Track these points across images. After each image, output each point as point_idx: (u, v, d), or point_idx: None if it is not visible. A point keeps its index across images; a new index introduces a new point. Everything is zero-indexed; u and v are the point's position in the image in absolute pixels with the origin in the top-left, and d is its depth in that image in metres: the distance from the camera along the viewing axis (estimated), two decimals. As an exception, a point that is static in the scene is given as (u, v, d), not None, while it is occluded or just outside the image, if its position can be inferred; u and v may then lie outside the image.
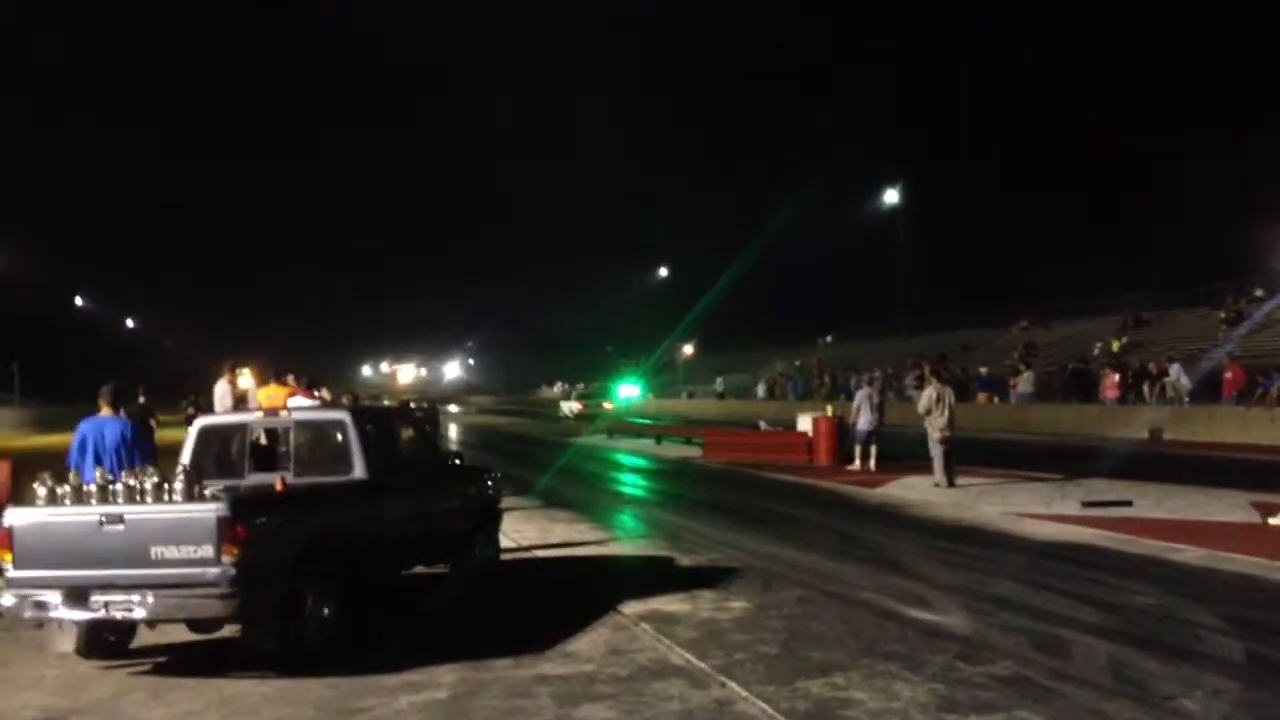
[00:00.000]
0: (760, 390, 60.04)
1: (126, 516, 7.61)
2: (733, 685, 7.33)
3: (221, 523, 7.44)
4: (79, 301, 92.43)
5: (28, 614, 7.70)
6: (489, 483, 11.96)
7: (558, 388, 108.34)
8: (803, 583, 10.94)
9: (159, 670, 8.13)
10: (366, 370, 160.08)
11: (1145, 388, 33.43)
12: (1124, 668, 7.59)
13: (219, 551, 7.43)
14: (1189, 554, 11.96)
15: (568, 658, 8.17)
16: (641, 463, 29.67)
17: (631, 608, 9.78)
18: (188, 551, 7.47)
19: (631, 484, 22.91)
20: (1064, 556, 12.22)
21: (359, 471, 9.28)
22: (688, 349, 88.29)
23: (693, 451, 29.84)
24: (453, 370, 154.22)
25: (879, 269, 71.99)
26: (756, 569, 11.73)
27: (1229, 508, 15.28)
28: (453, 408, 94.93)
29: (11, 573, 7.73)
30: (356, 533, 8.92)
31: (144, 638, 8.56)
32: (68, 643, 8.27)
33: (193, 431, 9.79)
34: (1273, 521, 13.53)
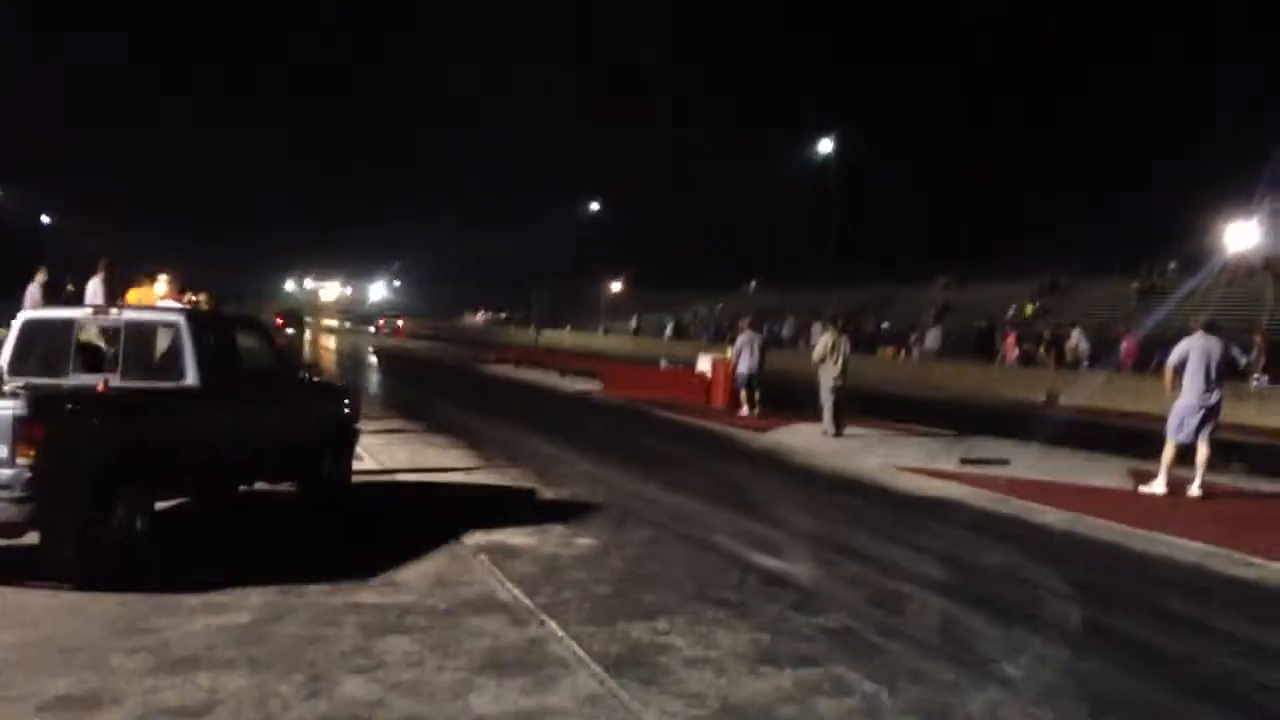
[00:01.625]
0: (668, 330, 59.87)
1: None
2: (551, 624, 7.02)
3: (18, 421, 6.95)
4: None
5: None
6: (344, 401, 11.49)
7: (480, 315, 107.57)
8: (658, 523, 10.68)
9: (-52, 576, 7.63)
10: (290, 285, 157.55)
11: (1042, 351, 33.67)
12: (955, 627, 7.41)
13: (14, 452, 6.95)
14: (1053, 516, 11.87)
15: (390, 587, 7.81)
16: (542, 395, 29.32)
17: (475, 538, 9.44)
18: None
19: (521, 415, 22.48)
20: (929, 511, 12.09)
21: (190, 379, 8.78)
22: (615, 286, 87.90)
23: (594, 386, 29.53)
24: (378, 291, 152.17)
25: (810, 220, 71.88)
26: (617, 506, 11.45)
27: (1105, 473, 15.26)
28: (373, 329, 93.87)
29: None
30: (180, 443, 8.42)
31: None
32: None
33: (15, 325, 9.19)
34: (1143, 489, 13.51)
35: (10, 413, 6.96)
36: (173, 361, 8.87)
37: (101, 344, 9.14)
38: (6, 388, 7.31)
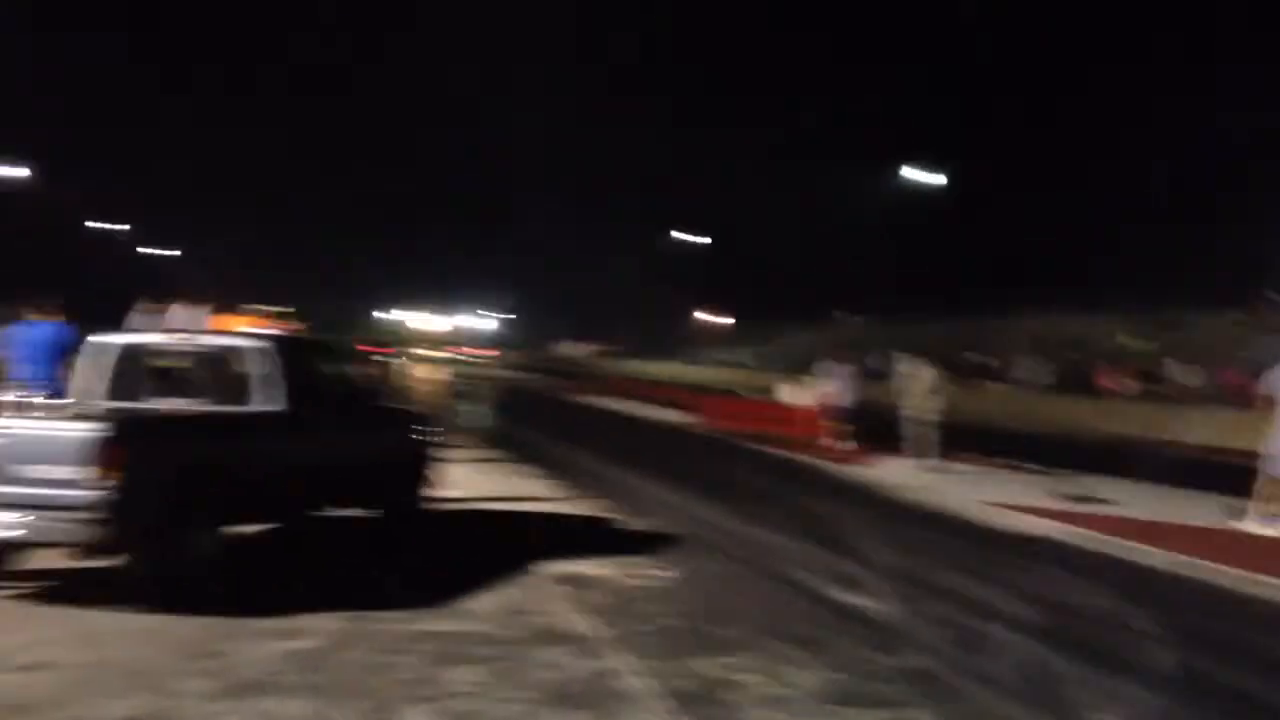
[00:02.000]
0: (762, 362, 59.72)
1: (6, 430, 7.19)
2: (621, 657, 6.90)
3: (101, 444, 7.02)
4: (96, 224, 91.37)
5: None
6: (425, 427, 11.50)
7: (576, 346, 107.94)
8: (738, 556, 10.49)
9: (34, 595, 7.75)
10: (387, 314, 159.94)
11: (1145, 385, 32.70)
12: (1044, 672, 7.10)
13: (96, 474, 7.01)
14: (1156, 557, 11.33)
15: (463, 615, 7.74)
16: (635, 426, 29.19)
17: (554, 568, 9.34)
18: (64, 472, 7.06)
19: (609, 445, 22.35)
20: (1023, 550, 11.62)
21: (271, 403, 8.82)
22: (710, 317, 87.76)
23: (683, 417, 29.33)
24: (480, 322, 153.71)
25: (911, 251, 70.96)
26: (698, 538, 11.29)
27: (1213, 512, 14.63)
28: (480, 358, 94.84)
29: None
30: (260, 467, 8.45)
31: (37, 560, 8.18)
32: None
33: (100, 350, 9.33)
34: (1253, 529, 12.94)
35: (93, 435, 7.03)
36: (253, 386, 8.91)
37: (181, 368, 9.23)
38: (88, 410, 7.38)
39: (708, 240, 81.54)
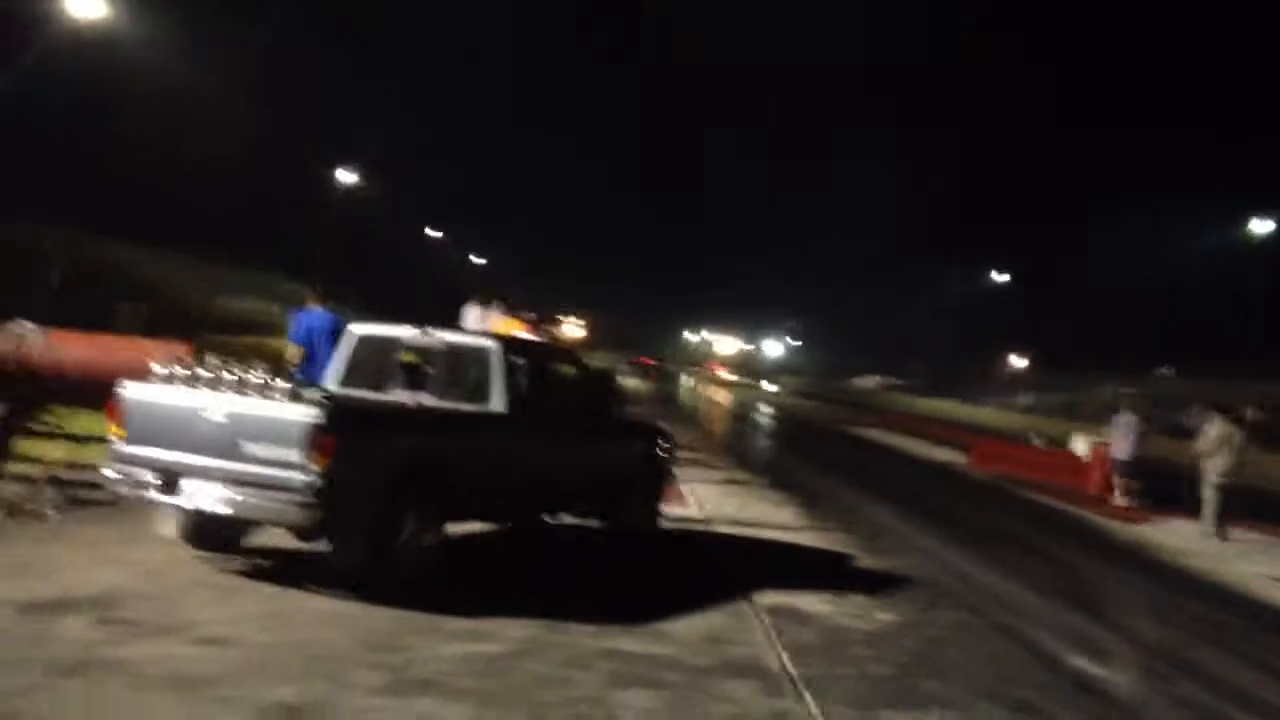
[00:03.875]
0: (1024, 402, 57.08)
1: (226, 407, 7.47)
2: (808, 700, 6.44)
3: (313, 429, 7.15)
4: (432, 232, 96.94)
5: (124, 490, 7.74)
6: (657, 441, 11.31)
7: (873, 380, 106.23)
8: (976, 608, 9.77)
9: (251, 572, 7.98)
10: (689, 336, 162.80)
11: None
12: (1295, 774, 6.19)
13: (307, 458, 7.15)
14: None
15: (657, 637, 7.46)
16: (903, 461, 28.34)
17: (768, 598, 8.94)
18: (278, 453, 7.24)
19: (872, 480, 21.69)
20: (1305, 634, 10.43)
21: (496, 404, 8.84)
22: (1018, 360, 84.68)
23: (962, 457, 28.18)
24: (774, 348, 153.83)
25: (1235, 302, 65.98)
26: (938, 585, 10.61)
27: None
28: (766, 384, 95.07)
29: (119, 446, 7.76)
30: (479, 467, 8.46)
31: (264, 537, 8.49)
32: (172, 527, 8.24)
33: (347, 339, 9.64)
34: None
35: (306, 420, 7.18)
36: (482, 386, 8.96)
37: (416, 363, 9.39)
38: (307, 394, 7.56)
39: (1006, 278, 78.44)
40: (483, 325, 15.17)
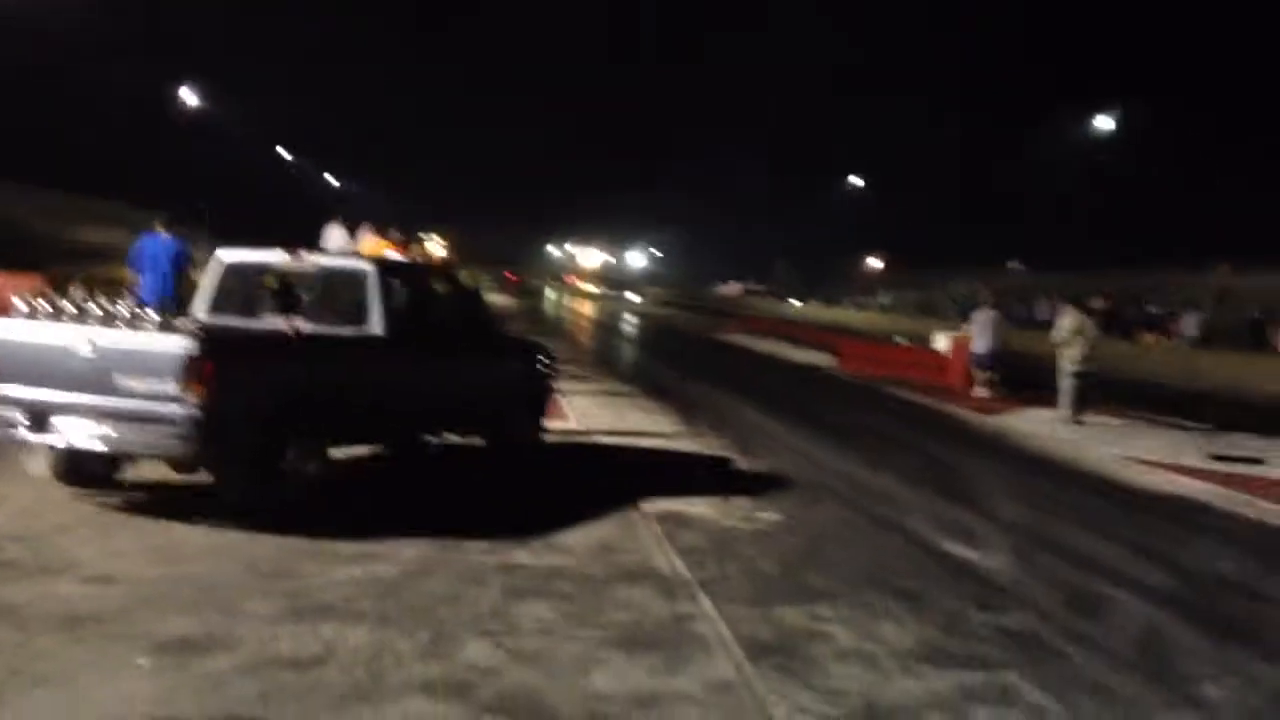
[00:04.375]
0: (883, 301, 58.80)
1: (96, 341, 7.23)
2: (704, 601, 6.61)
3: (189, 360, 6.98)
4: (283, 153, 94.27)
5: None
6: (539, 358, 11.32)
7: (733, 286, 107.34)
8: (853, 503, 10.09)
9: (127, 507, 7.80)
10: (553, 250, 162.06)
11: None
12: (1157, 639, 6.59)
13: (183, 389, 6.98)
14: (1303, 523, 10.61)
15: (549, 549, 7.54)
16: (770, 365, 28.85)
17: (654, 505, 9.08)
18: (153, 385, 7.06)
19: (743, 385, 22.05)
20: (1160, 510, 11.03)
21: (376, 326, 8.72)
22: (874, 262, 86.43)
23: (827, 360, 28.77)
24: (636, 258, 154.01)
25: (1081, 199, 68.14)
26: (814, 482, 10.91)
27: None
28: (630, 295, 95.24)
29: None
30: (360, 391, 8.36)
31: (138, 470, 8.30)
32: (42, 465, 7.99)
33: (214, 266, 9.38)
34: None
35: (182, 351, 7.01)
36: (359, 309, 8.83)
37: (297, 289, 9.20)
38: (183, 325, 7.37)
39: (861, 183, 79.74)
40: (345, 246, 14.93)
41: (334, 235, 15.17)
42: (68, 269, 21.81)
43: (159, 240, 12.43)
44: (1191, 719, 5.34)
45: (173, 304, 9.05)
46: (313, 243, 12.65)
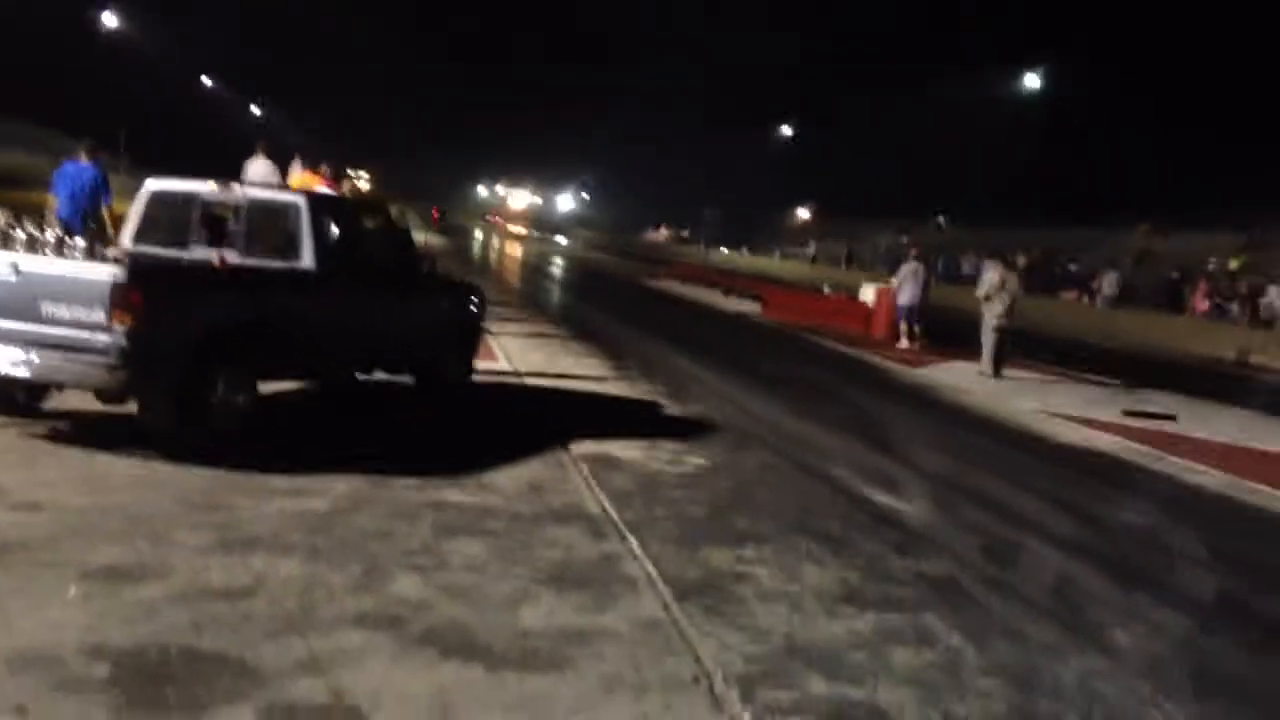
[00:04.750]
0: (810, 252, 59.54)
1: (21, 266, 7.11)
2: (632, 541, 6.70)
3: (116, 288, 6.89)
4: (206, 81, 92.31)
5: None
6: (470, 298, 11.30)
7: (662, 232, 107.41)
8: (779, 449, 10.25)
9: (53, 436, 7.72)
10: (482, 191, 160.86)
11: (1236, 308, 31.59)
12: (1070, 587, 6.83)
13: (110, 318, 6.90)
14: (1211, 478, 10.97)
15: (480, 488, 7.58)
16: (699, 312, 29.00)
17: (582, 448, 9.15)
18: (79, 313, 6.98)
19: (672, 331, 22.19)
20: (1074, 462, 11.34)
21: (307, 260, 8.65)
22: (802, 213, 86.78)
23: (755, 308, 28.99)
24: (566, 202, 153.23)
25: (1011, 156, 68.86)
26: (741, 428, 11.05)
27: (1283, 436, 14.10)
28: (559, 238, 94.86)
29: None
30: (290, 324, 8.28)
31: (63, 400, 8.20)
32: (-38, 394, 7.87)
33: (142, 195, 9.22)
34: None
35: (109, 279, 6.91)
36: (290, 243, 8.75)
37: (227, 220, 9.09)
38: (110, 253, 7.27)
39: (790, 131, 79.86)
40: (269, 179, 14.67)
41: (257, 168, 14.86)
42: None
43: (80, 167, 12.32)
44: (1101, 663, 5.53)
45: (88, 230, 8.84)
46: (235, 175, 12.44)
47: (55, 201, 12.08)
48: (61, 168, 12.50)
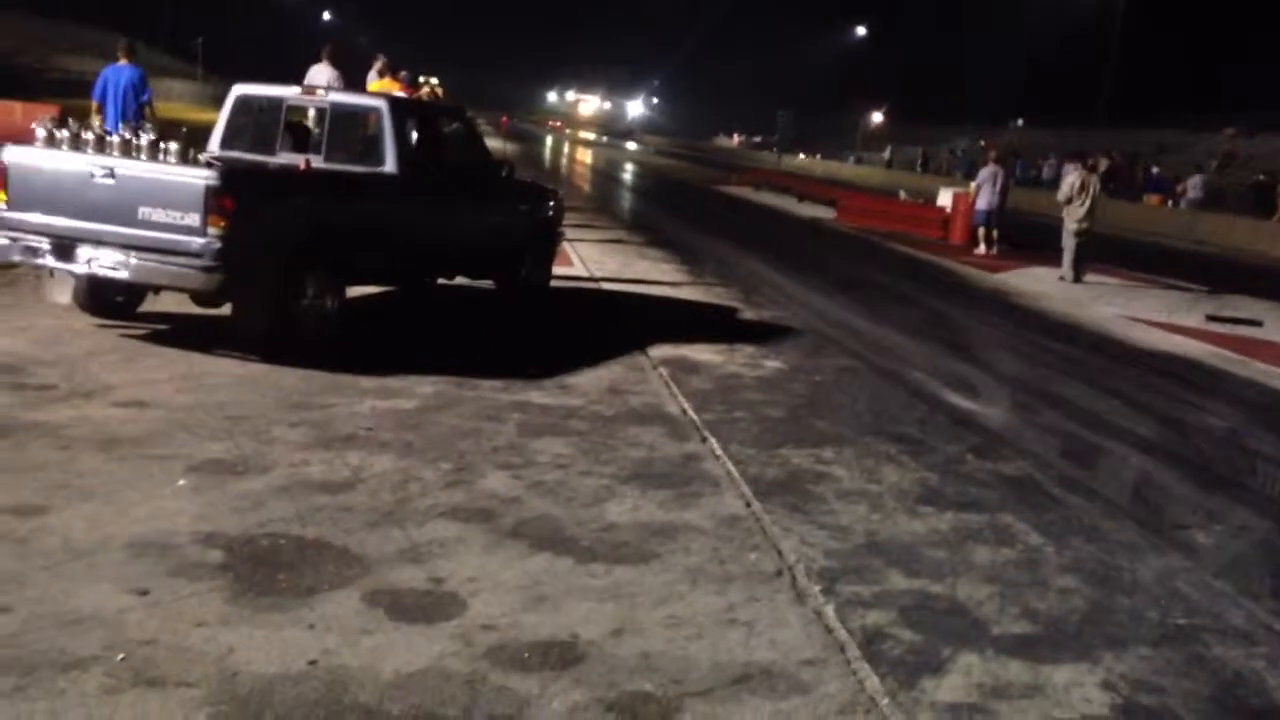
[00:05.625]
0: (886, 157, 58.70)
1: (118, 171, 7.29)
2: (712, 442, 6.83)
3: (209, 191, 7.05)
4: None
5: (16, 257, 7.56)
6: (549, 203, 11.38)
7: (735, 138, 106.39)
8: (856, 353, 10.28)
9: (151, 337, 7.98)
10: (553, 97, 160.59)
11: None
12: (1150, 488, 6.85)
13: (205, 222, 7.07)
14: (1291, 382, 10.84)
15: (562, 389, 7.74)
16: (773, 218, 28.83)
17: (661, 351, 9.27)
18: (174, 217, 7.14)
19: (747, 236, 22.12)
20: (1156, 367, 11.24)
21: (390, 165, 8.75)
22: (876, 116, 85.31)
23: (830, 214, 28.74)
24: (636, 108, 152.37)
25: (1091, 57, 66.96)
26: (818, 333, 11.09)
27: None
28: (630, 145, 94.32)
29: (4, 212, 7.52)
30: (375, 229, 8.43)
31: (157, 304, 8.45)
32: (65, 294, 8.13)
33: (229, 102, 9.36)
34: None
35: (202, 183, 7.08)
36: (373, 147, 8.88)
37: (311, 125, 9.23)
38: (203, 158, 7.43)
39: (863, 31, 78.29)
40: (331, 85, 14.74)
41: (320, 73, 14.88)
42: (59, 100, 21.58)
43: (121, 70, 12.41)
44: (1180, 561, 5.58)
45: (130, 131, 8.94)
46: (298, 80, 12.51)
47: (97, 105, 12.22)
48: (103, 73, 12.60)
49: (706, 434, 6.98)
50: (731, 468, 6.34)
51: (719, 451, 6.65)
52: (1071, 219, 17.82)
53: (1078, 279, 17.57)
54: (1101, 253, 18.76)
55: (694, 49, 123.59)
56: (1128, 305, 15.51)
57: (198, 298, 7.77)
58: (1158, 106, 57.98)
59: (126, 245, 7.23)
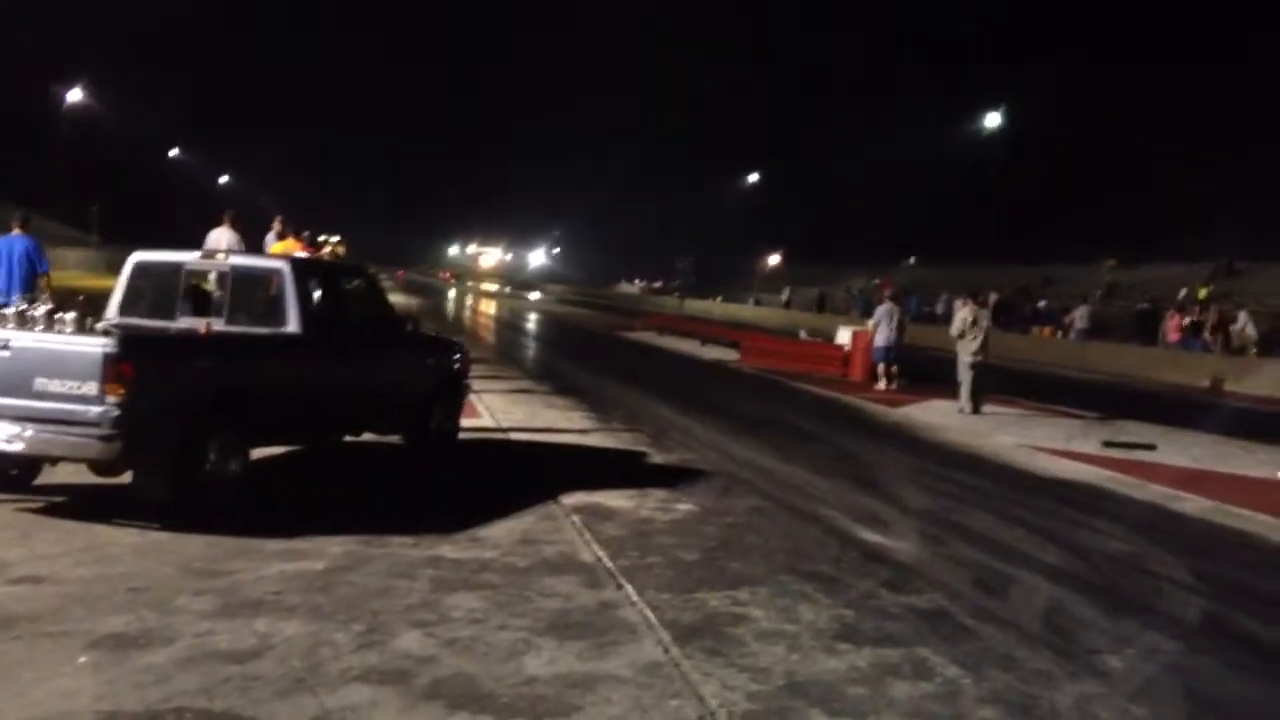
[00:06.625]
0: (784, 298, 60.26)
1: (12, 344, 7.18)
2: (628, 588, 6.79)
3: (107, 359, 6.97)
4: (174, 152, 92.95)
5: None
6: (454, 355, 11.41)
7: (636, 284, 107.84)
8: (765, 492, 10.34)
9: (47, 510, 7.76)
10: (455, 250, 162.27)
11: (1208, 335, 31.96)
12: (1060, 615, 6.93)
13: (103, 390, 6.97)
14: (1193, 504, 11.14)
15: (474, 542, 7.66)
16: (677, 361, 29.13)
17: (572, 499, 9.24)
18: (71, 386, 7.03)
19: (651, 381, 22.30)
20: (1058, 494, 11.47)
21: (293, 325, 8.75)
22: (772, 259, 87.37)
23: (732, 355, 29.13)
24: (537, 258, 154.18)
25: (975, 195, 69.71)
26: (726, 473, 11.15)
27: (1259, 463, 14.30)
28: (533, 295, 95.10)
29: None
30: (279, 389, 8.40)
31: (54, 475, 8.23)
32: (-49, 470, 7.91)
33: (127, 268, 9.31)
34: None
35: (100, 350, 6.99)
36: (275, 308, 8.87)
37: (211, 289, 9.20)
38: (100, 326, 7.35)
39: (756, 178, 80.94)
40: (232, 248, 14.73)
41: (221, 237, 14.85)
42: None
43: (14, 241, 12.25)
44: (1095, 687, 5.63)
45: (26, 303, 8.78)
46: (196, 244, 12.47)
47: None
48: None
49: (622, 580, 6.94)
50: (649, 614, 6.29)
51: (635, 598, 6.60)
52: (965, 352, 18.29)
53: (976, 410, 17.96)
54: (998, 383, 19.24)
55: (596, 198, 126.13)
56: (1026, 434, 15.87)
57: (96, 467, 7.60)
58: (1042, 242, 60.25)
59: (21, 417, 7.08)
